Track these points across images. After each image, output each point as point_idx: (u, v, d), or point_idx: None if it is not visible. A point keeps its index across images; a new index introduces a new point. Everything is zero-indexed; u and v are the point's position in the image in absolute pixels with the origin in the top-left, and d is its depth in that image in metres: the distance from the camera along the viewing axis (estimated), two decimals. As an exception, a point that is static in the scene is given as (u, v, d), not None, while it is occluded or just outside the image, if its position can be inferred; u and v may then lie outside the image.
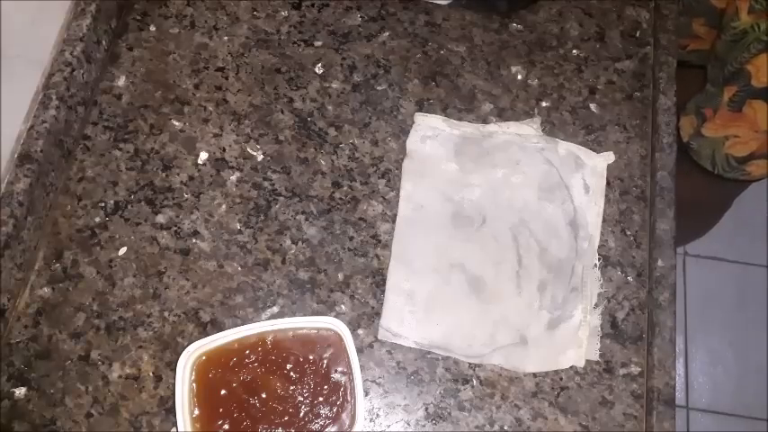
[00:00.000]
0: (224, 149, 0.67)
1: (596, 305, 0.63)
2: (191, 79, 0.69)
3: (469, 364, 0.60)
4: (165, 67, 0.70)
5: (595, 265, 0.64)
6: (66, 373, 0.59)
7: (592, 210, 0.66)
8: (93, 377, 0.59)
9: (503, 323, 0.61)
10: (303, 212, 0.65)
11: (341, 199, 0.66)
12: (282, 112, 0.69)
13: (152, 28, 0.71)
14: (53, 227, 0.63)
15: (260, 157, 0.67)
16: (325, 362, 0.55)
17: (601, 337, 0.62)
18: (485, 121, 0.69)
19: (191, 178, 0.66)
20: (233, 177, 0.66)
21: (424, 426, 0.59)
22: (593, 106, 0.71)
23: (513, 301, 0.62)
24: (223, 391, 0.55)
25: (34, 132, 0.61)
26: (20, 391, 0.58)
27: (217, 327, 0.60)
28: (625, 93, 0.72)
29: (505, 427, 0.59)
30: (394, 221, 0.65)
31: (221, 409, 0.54)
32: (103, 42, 0.69)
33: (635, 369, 0.61)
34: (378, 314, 0.61)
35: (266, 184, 0.66)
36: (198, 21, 0.72)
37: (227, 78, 0.70)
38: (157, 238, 0.63)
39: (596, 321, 0.62)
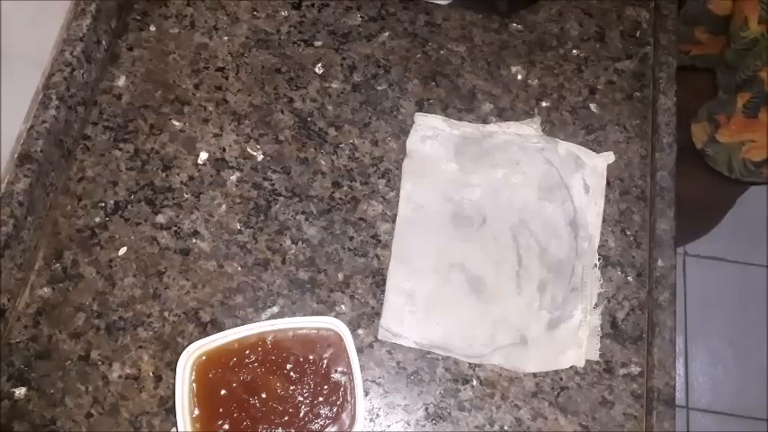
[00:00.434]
0: (224, 149, 0.67)
1: (596, 305, 0.63)
2: (191, 79, 0.69)
3: (469, 364, 0.60)
4: (165, 67, 0.70)
5: (595, 265, 0.64)
6: (66, 373, 0.59)
7: (592, 210, 0.66)
8: (93, 377, 0.59)
9: (503, 323, 0.61)
10: (303, 212, 0.65)
11: (341, 199, 0.66)
12: (282, 112, 0.69)
13: (152, 28, 0.71)
14: (53, 227, 0.63)
15: (260, 157, 0.67)
16: (325, 362, 0.55)
17: (601, 337, 0.62)
18: (485, 121, 0.69)
19: (191, 178, 0.66)
20: (233, 177, 0.66)
21: (424, 426, 0.59)
22: (593, 106, 0.71)
23: (513, 301, 0.62)
24: (223, 391, 0.55)
25: (34, 132, 0.61)
26: (20, 391, 0.58)
27: (217, 327, 0.60)
28: (625, 93, 0.72)
29: (505, 427, 0.59)
30: (394, 221, 0.65)
31: (221, 409, 0.54)
32: (103, 42, 0.69)
33: (635, 369, 0.61)
34: (378, 314, 0.61)
35: (266, 184, 0.66)
36: (198, 21, 0.72)
37: (227, 78, 0.70)
38: (157, 238, 0.63)
39: (596, 321, 0.62)
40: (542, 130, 0.69)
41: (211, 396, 0.54)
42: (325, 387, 0.55)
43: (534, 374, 0.60)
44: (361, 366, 0.55)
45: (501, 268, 0.63)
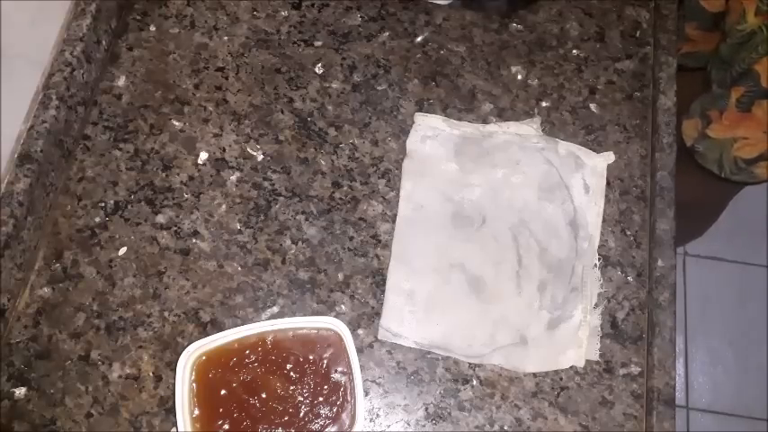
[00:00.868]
0: (224, 149, 0.67)
1: (596, 305, 0.63)
2: (191, 79, 0.69)
3: (469, 364, 0.60)
4: (165, 67, 0.70)
5: (595, 265, 0.64)
6: (66, 373, 0.59)
7: (592, 210, 0.66)
8: (93, 377, 0.59)
9: (503, 323, 0.61)
10: (303, 212, 0.65)
11: (341, 199, 0.66)
12: (282, 112, 0.69)
13: (152, 28, 0.71)
14: (53, 227, 0.63)
15: (260, 157, 0.67)
16: (325, 362, 0.55)
17: (601, 337, 0.62)
18: (485, 121, 0.69)
19: (191, 178, 0.66)
20: (233, 177, 0.66)
21: (424, 426, 0.59)
22: (593, 106, 0.71)
23: (513, 301, 0.62)
24: (223, 391, 0.55)
25: (34, 132, 0.61)
26: (20, 391, 0.58)
27: (217, 327, 0.60)
28: (625, 93, 0.72)
29: (505, 427, 0.59)
30: (394, 221, 0.65)
31: (221, 409, 0.54)
32: (103, 42, 0.69)
33: (635, 369, 0.61)
34: (378, 314, 0.61)
35: (266, 184, 0.66)
36: (198, 21, 0.72)
37: (227, 78, 0.70)
38: (157, 238, 0.63)
39: (596, 321, 0.62)
40: (542, 130, 0.69)
41: (211, 396, 0.54)
42: (325, 387, 0.55)
43: (534, 374, 0.60)
44: (361, 366, 0.55)
45: (501, 268, 0.63)
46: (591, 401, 0.60)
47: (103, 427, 0.57)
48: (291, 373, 0.55)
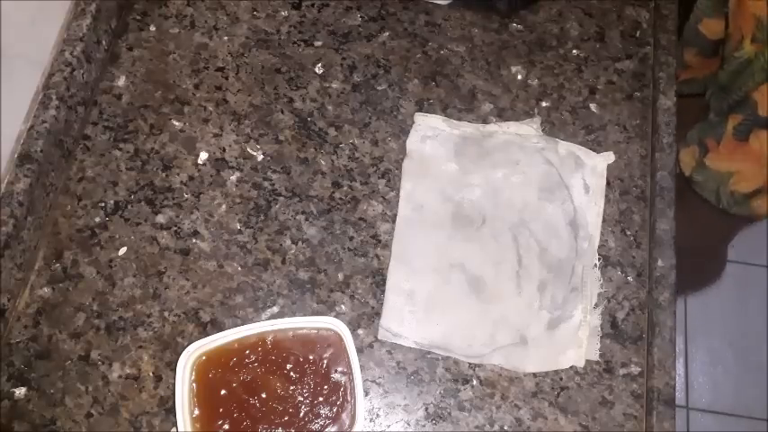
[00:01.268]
0: (224, 149, 0.67)
1: (596, 305, 0.63)
2: (191, 79, 0.69)
3: (469, 364, 0.60)
4: (165, 67, 0.70)
5: (595, 265, 0.64)
6: (66, 373, 0.59)
7: (592, 210, 0.66)
8: (93, 377, 0.59)
9: (503, 323, 0.61)
10: (303, 212, 0.65)
11: (341, 199, 0.66)
12: (282, 112, 0.69)
13: (152, 28, 0.71)
14: (53, 227, 0.63)
15: (260, 157, 0.67)
16: (325, 362, 0.55)
17: (601, 337, 0.62)
18: (485, 121, 0.69)
19: (191, 178, 0.66)
20: (233, 177, 0.66)
21: (424, 426, 0.59)
22: (593, 106, 0.71)
23: (513, 301, 0.62)
24: (223, 391, 0.55)
25: (34, 132, 0.61)
26: (20, 391, 0.58)
27: (217, 327, 0.60)
28: (625, 93, 0.72)
29: (505, 427, 0.59)
30: (394, 221, 0.65)
31: (221, 409, 0.54)
32: (103, 42, 0.69)
33: (635, 369, 0.61)
34: (378, 314, 0.61)
35: (266, 184, 0.66)
36: (198, 21, 0.72)
37: (227, 78, 0.70)
38: (157, 238, 0.63)
39: (596, 321, 0.62)
40: (542, 130, 0.69)
41: (211, 396, 0.54)
42: (325, 387, 0.55)
43: (534, 374, 0.60)
44: (361, 366, 0.55)
45: (501, 268, 0.63)
46: (591, 401, 0.60)
47: (103, 427, 0.57)
48: (291, 373, 0.55)
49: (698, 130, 0.80)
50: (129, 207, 0.64)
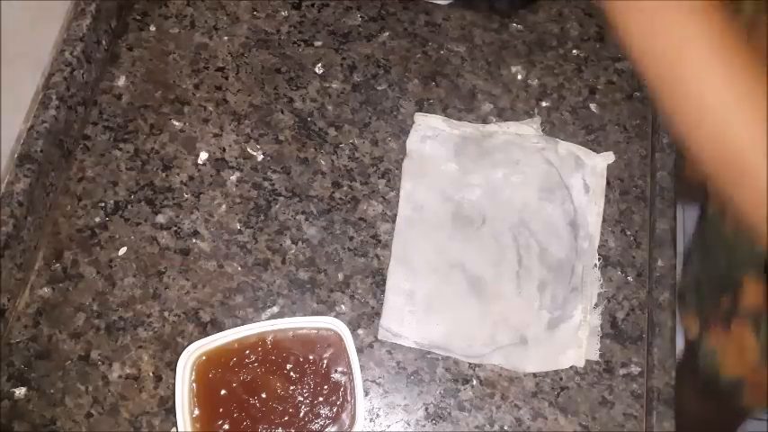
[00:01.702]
0: (224, 149, 0.67)
1: (596, 305, 0.63)
2: (191, 79, 0.69)
3: (469, 364, 0.60)
4: (165, 67, 0.70)
5: (595, 265, 0.64)
6: (66, 373, 0.59)
7: (592, 210, 0.66)
8: (93, 377, 0.59)
9: (503, 323, 0.61)
10: (303, 212, 0.65)
11: (341, 199, 0.66)
12: (282, 112, 0.69)
13: (152, 28, 0.71)
14: (53, 227, 0.63)
15: (260, 157, 0.67)
16: (325, 362, 0.55)
17: (601, 337, 0.62)
18: (485, 121, 0.69)
19: (191, 178, 0.66)
20: (233, 177, 0.66)
21: (424, 426, 0.59)
22: (593, 106, 0.71)
23: (513, 301, 0.62)
24: (223, 391, 0.55)
25: (34, 132, 0.61)
26: (20, 391, 0.58)
27: (217, 327, 0.60)
28: (625, 93, 0.72)
29: (505, 427, 0.59)
30: (394, 221, 0.65)
31: (221, 409, 0.54)
32: (103, 42, 0.69)
33: (635, 369, 0.61)
34: (378, 314, 0.61)
35: (266, 184, 0.66)
36: (198, 21, 0.72)
37: (227, 78, 0.70)
38: (157, 238, 0.63)
39: (596, 321, 0.62)
40: (542, 130, 0.69)
41: (211, 396, 0.54)
42: (325, 387, 0.55)
43: (534, 374, 0.60)
44: (361, 366, 0.55)
45: (501, 268, 0.63)
46: (591, 401, 0.60)
47: (103, 427, 0.57)
48: (291, 373, 0.55)
49: (695, 297, 0.74)
50: (129, 207, 0.64)
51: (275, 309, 0.62)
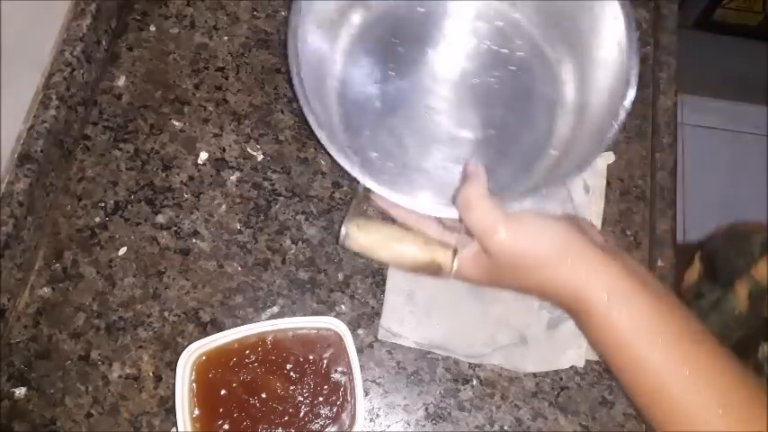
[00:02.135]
0: (224, 149, 0.67)
1: (596, 305, 0.63)
2: (191, 79, 0.69)
3: (469, 364, 0.60)
4: (165, 67, 0.70)
5: (595, 265, 0.64)
6: (66, 373, 0.59)
7: (592, 210, 0.66)
8: (93, 377, 0.59)
9: (503, 323, 0.61)
10: (303, 212, 0.65)
11: (341, 199, 0.66)
12: (282, 112, 0.69)
13: (152, 28, 0.71)
14: (53, 227, 0.63)
15: (260, 157, 0.67)
16: (325, 362, 0.55)
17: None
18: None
19: (191, 178, 0.66)
20: (233, 177, 0.66)
21: (424, 426, 0.59)
22: (593, 106, 0.71)
23: (513, 301, 0.62)
24: (223, 391, 0.55)
25: (34, 132, 0.61)
26: (20, 391, 0.58)
27: (217, 327, 0.60)
28: (625, 93, 0.72)
29: (505, 427, 0.59)
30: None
31: (221, 409, 0.54)
32: (103, 42, 0.69)
33: (635, 369, 0.61)
34: (378, 314, 0.61)
35: (266, 184, 0.66)
36: (198, 21, 0.72)
37: (227, 78, 0.70)
38: (157, 238, 0.63)
39: (596, 321, 0.62)
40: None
41: (211, 396, 0.54)
42: (325, 387, 0.55)
43: (534, 374, 0.60)
44: (361, 366, 0.55)
45: (501, 268, 0.63)
46: (591, 401, 0.60)
47: (103, 427, 0.57)
48: (291, 373, 0.55)
49: None
50: (129, 207, 0.64)
51: (275, 309, 0.62)
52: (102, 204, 0.64)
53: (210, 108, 0.68)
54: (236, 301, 0.62)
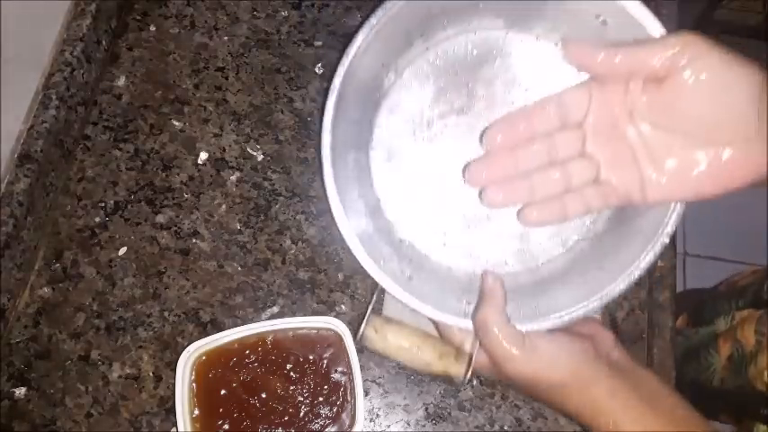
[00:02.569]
0: (224, 149, 0.67)
1: (596, 305, 0.63)
2: (191, 79, 0.69)
3: (469, 364, 0.60)
4: (165, 67, 0.70)
5: (595, 265, 0.64)
6: (66, 373, 0.59)
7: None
8: (93, 377, 0.59)
9: (503, 323, 0.61)
10: (303, 212, 0.65)
11: (341, 199, 0.66)
12: (282, 112, 0.69)
13: (152, 28, 0.71)
14: (53, 227, 0.63)
15: (260, 157, 0.67)
16: (325, 362, 0.55)
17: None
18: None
19: (191, 178, 0.66)
20: (233, 177, 0.66)
21: (424, 426, 0.59)
22: (593, 106, 0.71)
23: (514, 301, 0.62)
24: (223, 391, 0.55)
25: (34, 132, 0.61)
26: (20, 391, 0.58)
27: (217, 327, 0.60)
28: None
29: (505, 427, 0.59)
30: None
31: (221, 409, 0.54)
32: (103, 42, 0.69)
33: (635, 369, 0.61)
34: (378, 314, 0.61)
35: (266, 184, 0.66)
36: (198, 21, 0.72)
37: (227, 78, 0.70)
38: (157, 238, 0.63)
39: (596, 321, 0.62)
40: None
41: (211, 396, 0.54)
42: (325, 387, 0.55)
43: (534, 374, 0.60)
44: (361, 366, 0.55)
45: (501, 268, 0.63)
46: (591, 401, 0.60)
47: (103, 427, 0.57)
48: (291, 373, 0.55)
49: None
50: (129, 207, 0.64)
51: (275, 309, 0.62)
52: (102, 204, 0.64)
53: (210, 108, 0.68)
54: (236, 301, 0.62)
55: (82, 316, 0.60)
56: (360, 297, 0.62)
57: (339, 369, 0.55)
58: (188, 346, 0.55)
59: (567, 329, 0.47)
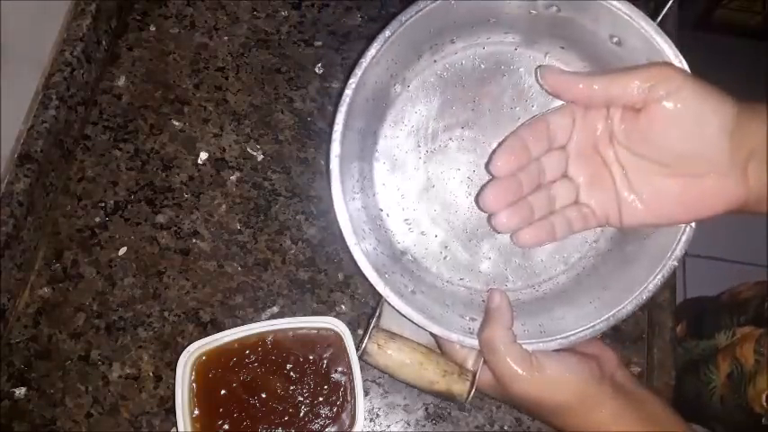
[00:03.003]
0: (224, 149, 0.67)
1: (596, 305, 0.63)
2: (191, 79, 0.69)
3: (469, 364, 0.60)
4: (165, 67, 0.70)
5: (595, 265, 0.64)
6: (66, 373, 0.59)
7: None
8: (93, 377, 0.59)
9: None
10: (303, 212, 0.65)
11: (341, 199, 0.66)
12: (282, 112, 0.69)
13: (152, 28, 0.71)
14: (53, 227, 0.63)
15: (260, 157, 0.67)
16: (325, 362, 0.55)
17: (601, 338, 0.62)
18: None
19: (191, 178, 0.66)
20: (233, 177, 0.66)
21: (423, 426, 0.59)
22: (593, 106, 0.71)
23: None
24: (223, 391, 0.55)
25: (34, 132, 0.61)
26: (20, 391, 0.58)
27: (217, 327, 0.60)
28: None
29: (505, 427, 0.59)
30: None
31: (221, 409, 0.54)
32: (103, 42, 0.69)
33: (635, 369, 0.61)
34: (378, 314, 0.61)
35: (266, 184, 0.66)
36: (198, 21, 0.72)
37: (227, 78, 0.70)
38: (157, 238, 0.63)
39: (596, 321, 0.62)
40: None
41: (211, 396, 0.54)
42: (325, 387, 0.55)
43: (534, 374, 0.60)
44: (361, 366, 0.55)
45: (501, 268, 0.63)
46: (591, 401, 0.60)
47: (103, 427, 0.57)
48: (291, 373, 0.55)
49: None
50: (129, 207, 0.64)
51: (275, 309, 0.62)
52: (102, 204, 0.64)
53: (210, 108, 0.68)
54: (236, 301, 0.62)
55: (82, 316, 0.60)
56: (360, 297, 0.62)
57: (339, 369, 0.55)
58: (188, 346, 0.55)
59: (573, 349, 0.47)
